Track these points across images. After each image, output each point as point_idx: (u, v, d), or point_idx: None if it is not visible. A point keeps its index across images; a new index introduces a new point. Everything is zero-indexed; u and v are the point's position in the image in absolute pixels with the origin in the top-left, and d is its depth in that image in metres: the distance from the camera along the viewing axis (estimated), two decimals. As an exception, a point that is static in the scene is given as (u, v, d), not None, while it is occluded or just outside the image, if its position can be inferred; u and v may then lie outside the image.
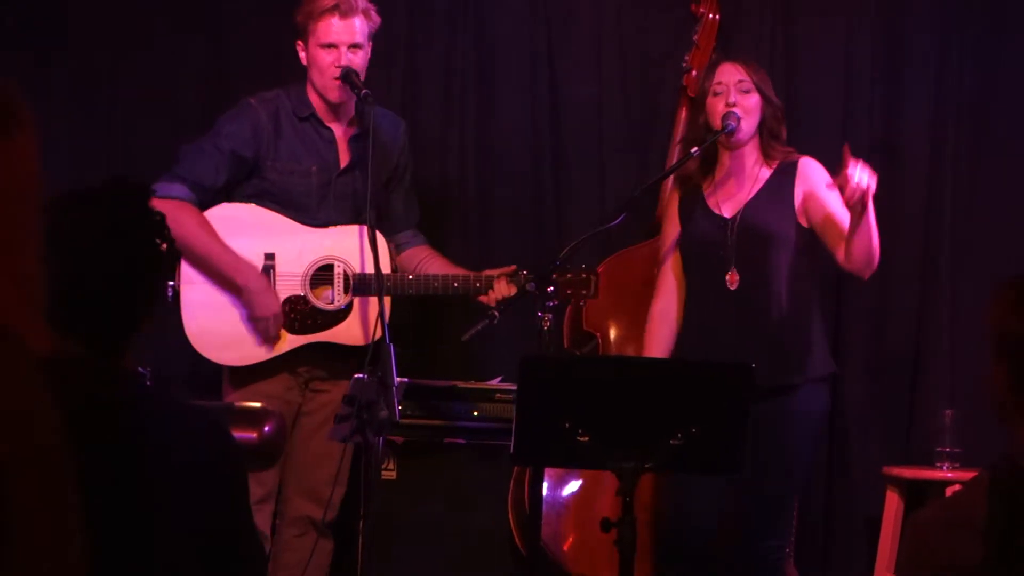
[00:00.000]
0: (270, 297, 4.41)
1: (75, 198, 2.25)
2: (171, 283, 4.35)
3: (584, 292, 4.47)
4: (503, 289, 4.49)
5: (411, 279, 4.50)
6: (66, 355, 2.02)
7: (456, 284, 4.53)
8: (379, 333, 4.21)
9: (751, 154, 4.45)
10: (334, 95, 4.48)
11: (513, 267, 4.56)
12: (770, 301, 4.32)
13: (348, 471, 4.53)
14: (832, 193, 4.21)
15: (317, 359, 4.53)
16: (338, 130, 4.56)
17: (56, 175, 5.28)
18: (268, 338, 4.42)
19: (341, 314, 4.49)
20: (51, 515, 1.33)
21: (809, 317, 4.36)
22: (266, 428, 3.58)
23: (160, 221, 2.32)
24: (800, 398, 4.28)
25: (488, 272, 4.57)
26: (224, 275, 4.39)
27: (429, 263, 4.63)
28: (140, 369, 2.37)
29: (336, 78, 4.44)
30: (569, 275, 4.43)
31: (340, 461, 4.49)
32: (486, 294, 4.51)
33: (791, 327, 4.32)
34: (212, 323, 4.39)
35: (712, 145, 4.43)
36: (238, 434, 2.83)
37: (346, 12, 4.45)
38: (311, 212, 4.49)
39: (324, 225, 4.49)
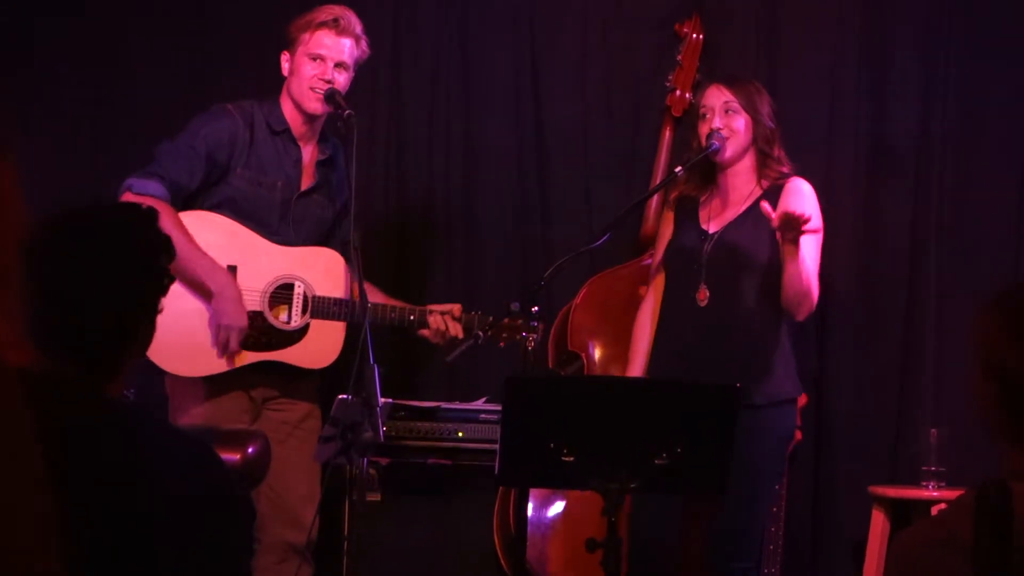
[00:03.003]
0: (239, 308, 4.37)
1: (85, 218, 2.23)
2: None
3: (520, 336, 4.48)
4: (438, 323, 4.49)
5: (369, 307, 4.47)
6: (51, 374, 2.01)
7: (393, 315, 4.52)
8: (365, 344, 4.17)
9: (745, 174, 4.44)
10: (311, 105, 4.47)
11: (457, 306, 4.56)
12: (737, 321, 4.31)
13: (319, 488, 4.51)
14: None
15: (271, 380, 4.49)
16: (306, 152, 4.55)
17: (43, 178, 5.26)
18: (227, 349, 4.37)
19: (296, 335, 4.47)
20: (28, 537, 1.32)
21: (776, 339, 4.34)
22: (250, 449, 3.56)
23: (168, 241, 2.30)
24: (765, 420, 4.25)
25: (431, 307, 4.56)
26: (197, 279, 4.35)
27: (372, 295, 4.59)
28: (125, 392, 2.36)
29: (312, 88, 4.44)
30: (515, 320, 4.44)
31: (312, 480, 4.48)
32: (427, 328, 4.51)
33: (756, 348, 4.31)
34: (165, 332, 4.34)
35: (709, 164, 4.43)
36: (221, 456, 2.82)
37: (342, 30, 4.47)
38: (271, 228, 4.47)
39: (283, 243, 4.47)
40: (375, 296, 4.57)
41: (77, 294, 2.17)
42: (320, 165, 4.57)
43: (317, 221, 4.56)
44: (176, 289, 4.32)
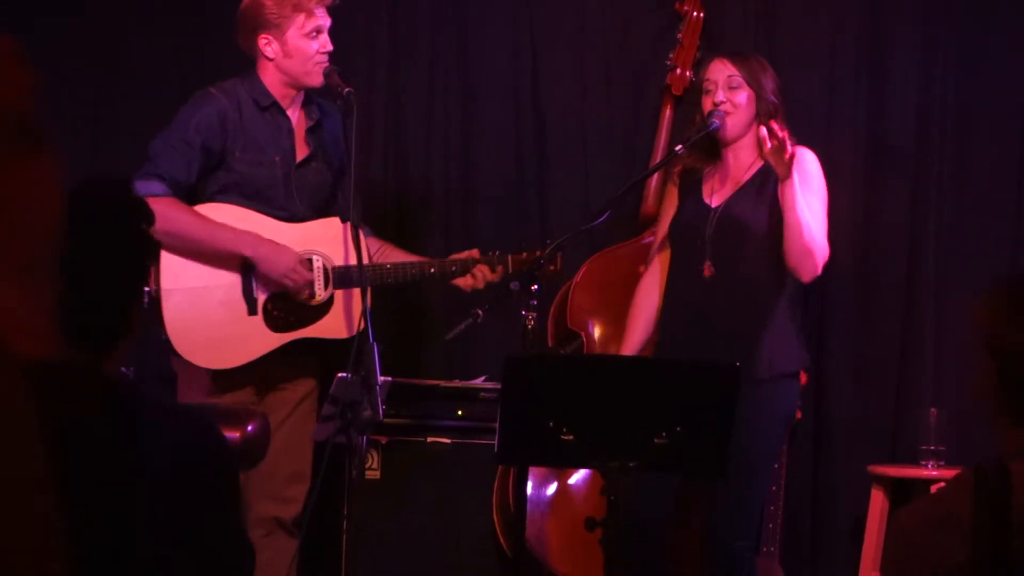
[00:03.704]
0: (282, 252, 4.38)
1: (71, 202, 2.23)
2: (146, 288, 4.30)
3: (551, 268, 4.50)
4: (472, 283, 4.50)
5: (389, 267, 4.49)
6: (57, 360, 2.00)
7: (432, 269, 4.52)
8: (363, 328, 4.18)
9: (747, 148, 4.42)
10: (318, 80, 4.46)
11: (475, 251, 4.57)
12: (741, 294, 4.30)
13: (311, 466, 4.51)
14: (805, 194, 4.21)
15: (283, 357, 4.48)
16: (293, 118, 4.54)
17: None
18: (302, 289, 4.39)
19: (323, 308, 4.47)
20: (31, 520, 1.32)
21: (781, 311, 4.32)
22: (249, 427, 3.57)
23: (143, 204, 2.29)
24: (767, 394, 4.24)
25: (460, 256, 4.56)
26: (227, 251, 4.35)
27: (386, 253, 4.61)
28: (123, 369, 2.36)
29: (319, 64, 4.44)
30: (524, 255, 4.52)
31: (302, 457, 4.48)
32: (463, 276, 4.52)
33: (761, 321, 4.30)
34: (196, 325, 4.35)
35: (712, 138, 4.41)
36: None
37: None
38: (278, 203, 4.46)
39: (291, 217, 4.47)
40: (392, 255, 4.58)
41: (79, 275, 2.17)
42: (310, 131, 4.56)
43: (318, 188, 4.55)
44: (198, 285, 4.34)
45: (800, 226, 4.19)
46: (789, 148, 4.11)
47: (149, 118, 5.06)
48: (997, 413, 2.16)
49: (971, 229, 5.23)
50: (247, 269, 4.42)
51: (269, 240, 4.38)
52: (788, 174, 4.14)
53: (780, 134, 4.11)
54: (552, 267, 4.34)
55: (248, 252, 4.36)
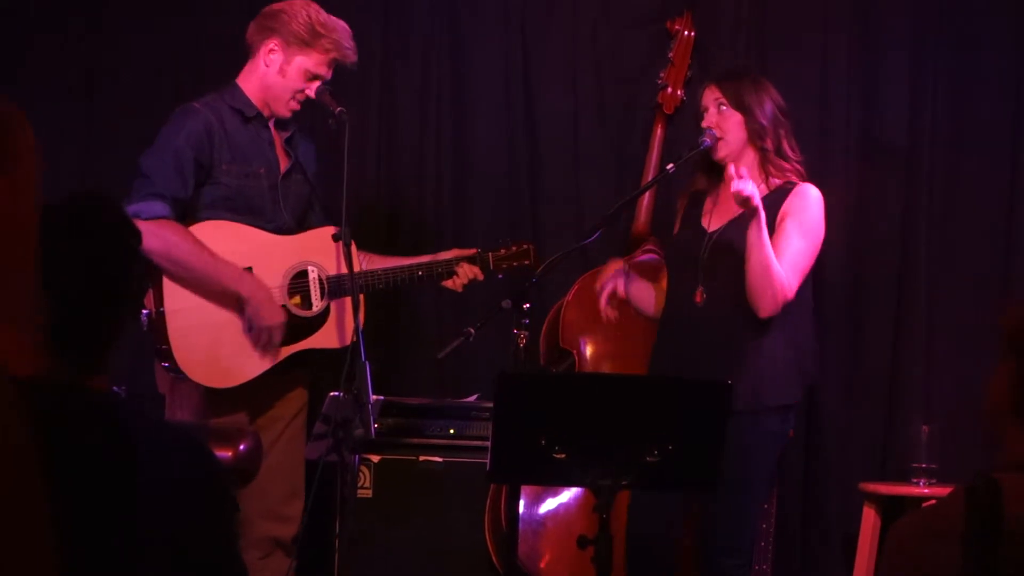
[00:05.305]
0: (274, 307, 4.38)
1: (49, 217, 2.23)
2: (144, 311, 4.31)
3: (526, 263, 4.55)
4: (467, 272, 4.52)
5: (380, 273, 4.49)
6: (47, 376, 2.00)
7: (420, 272, 4.54)
8: (356, 341, 4.18)
9: (748, 173, 4.32)
10: (284, 112, 4.49)
11: (474, 250, 4.59)
12: (732, 322, 4.25)
13: (304, 483, 4.50)
14: (791, 228, 4.20)
15: (271, 375, 4.47)
16: (275, 132, 4.55)
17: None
18: (270, 347, 4.39)
19: (319, 319, 4.47)
20: (20, 533, 1.32)
21: (773, 343, 4.26)
22: (241, 447, 3.56)
23: (128, 220, 2.28)
24: (752, 425, 4.18)
25: (446, 255, 4.58)
26: (226, 288, 4.35)
27: (372, 261, 4.61)
28: (115, 388, 2.35)
29: (293, 99, 4.46)
30: (503, 251, 4.59)
31: (297, 474, 4.47)
32: (450, 279, 4.53)
33: (751, 351, 4.25)
34: (199, 344, 4.33)
35: (712, 161, 4.38)
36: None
37: (343, 62, 4.50)
38: (267, 215, 4.46)
39: (278, 228, 4.47)
40: (377, 262, 4.58)
41: (57, 291, 2.16)
42: (287, 142, 4.57)
43: (299, 198, 4.57)
44: (199, 303, 4.33)
45: (759, 266, 4.14)
46: (753, 200, 4.08)
47: (145, 121, 5.07)
48: (1013, 416, 2.14)
49: (962, 250, 5.24)
50: None
51: (267, 289, 4.37)
52: (753, 215, 4.13)
53: (737, 186, 4.07)
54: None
55: (245, 293, 4.35)
